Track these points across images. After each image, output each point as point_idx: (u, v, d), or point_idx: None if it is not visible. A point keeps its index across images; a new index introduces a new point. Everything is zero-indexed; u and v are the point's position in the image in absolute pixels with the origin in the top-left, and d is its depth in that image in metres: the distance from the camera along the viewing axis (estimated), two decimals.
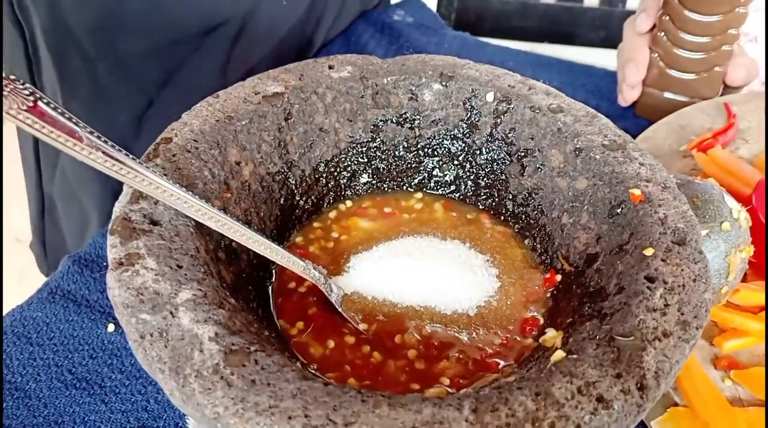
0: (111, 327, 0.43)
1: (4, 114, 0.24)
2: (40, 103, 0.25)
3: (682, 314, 0.25)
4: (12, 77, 0.25)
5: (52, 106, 0.25)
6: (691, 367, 0.37)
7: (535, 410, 0.21)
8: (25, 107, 0.24)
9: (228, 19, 0.55)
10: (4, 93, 0.24)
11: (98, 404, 0.39)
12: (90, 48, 0.54)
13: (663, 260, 0.27)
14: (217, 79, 0.58)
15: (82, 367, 0.41)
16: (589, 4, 1.13)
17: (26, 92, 0.25)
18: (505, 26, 1.17)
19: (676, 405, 0.35)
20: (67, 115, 0.26)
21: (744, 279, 0.40)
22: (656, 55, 0.57)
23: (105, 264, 0.47)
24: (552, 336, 0.27)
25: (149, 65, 0.55)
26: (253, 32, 0.57)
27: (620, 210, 0.30)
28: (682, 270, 0.26)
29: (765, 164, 0.50)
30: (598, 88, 0.64)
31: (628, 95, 0.58)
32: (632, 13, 0.61)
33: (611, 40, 1.15)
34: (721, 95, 0.58)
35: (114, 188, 0.61)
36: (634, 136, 0.52)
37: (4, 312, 0.44)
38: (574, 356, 0.23)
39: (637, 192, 0.30)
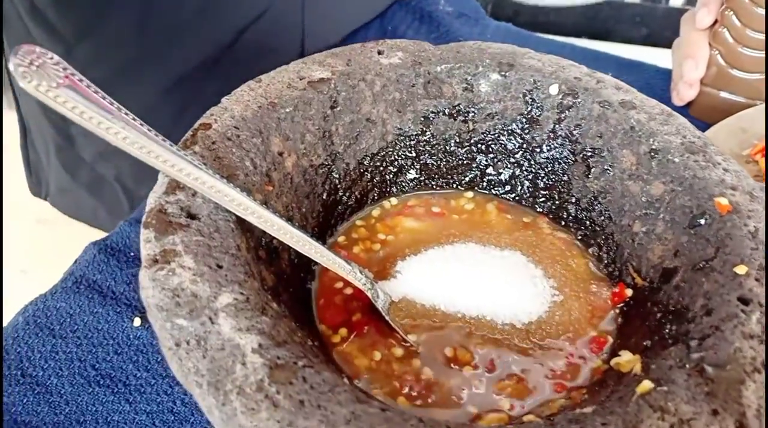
0: (137, 322, 0.40)
1: (32, 91, 0.21)
2: (72, 80, 0.22)
3: None
4: (41, 50, 0.22)
5: (85, 83, 0.23)
6: None
7: None
8: (55, 84, 0.22)
9: None
10: (33, 68, 0.22)
11: (122, 403, 0.37)
12: (18, 3, 0.53)
13: (757, 279, 0.24)
14: (136, 33, 0.54)
15: (106, 363, 0.39)
16: None
17: (58, 68, 0.22)
18: (542, 20, 1.13)
19: None
20: (101, 94, 0.23)
21: None
22: (716, 52, 0.54)
23: (132, 254, 0.45)
24: (628, 360, 0.25)
25: (61, 12, 0.53)
26: None
27: (704, 220, 0.27)
28: None
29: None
30: (649, 86, 0.60)
31: (684, 94, 0.55)
32: (676, 10, 0.57)
33: (653, 38, 1.11)
34: None
35: (54, 123, 0.60)
36: None
37: (28, 300, 0.42)
38: (664, 388, 0.21)
39: (723, 201, 0.27)
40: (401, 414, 0.19)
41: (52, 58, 0.22)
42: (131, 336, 0.40)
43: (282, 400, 0.19)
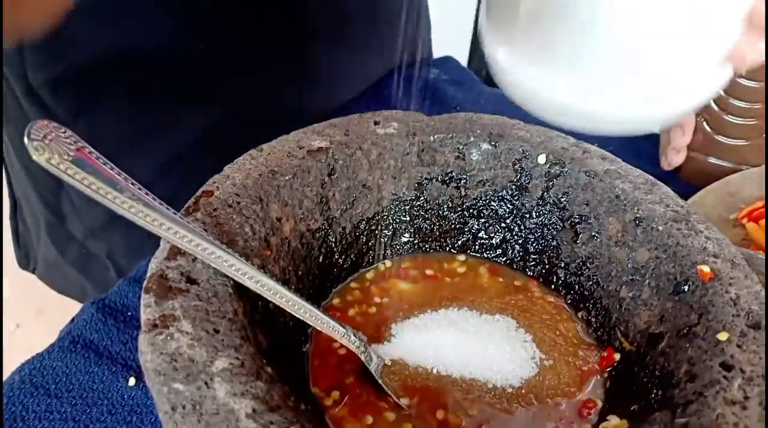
0: (132, 382, 0.41)
1: (45, 164, 0.23)
2: (83, 153, 0.24)
3: (765, 408, 0.22)
4: (54, 125, 0.24)
5: (94, 155, 0.24)
6: None
7: None
8: (68, 157, 0.23)
9: (128, 49, 0.53)
10: (46, 142, 0.23)
11: None
12: (9, 76, 0.54)
13: (738, 346, 0.25)
14: (130, 111, 0.56)
15: (100, 423, 0.39)
16: None
17: (69, 141, 0.24)
18: None
19: None
20: (109, 165, 0.25)
21: None
22: (702, 119, 0.56)
23: (130, 313, 0.45)
24: (616, 425, 0.25)
25: (57, 96, 0.54)
26: (163, 61, 0.54)
27: (687, 287, 0.28)
28: (760, 357, 0.24)
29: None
30: (639, 150, 0.62)
31: (673, 159, 0.56)
32: None
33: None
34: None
35: (46, 199, 0.61)
36: None
37: (23, 359, 0.43)
38: None
39: (706, 268, 0.27)
40: None
41: (64, 132, 0.24)
42: (125, 396, 0.40)
43: None
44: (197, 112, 0.56)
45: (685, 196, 0.52)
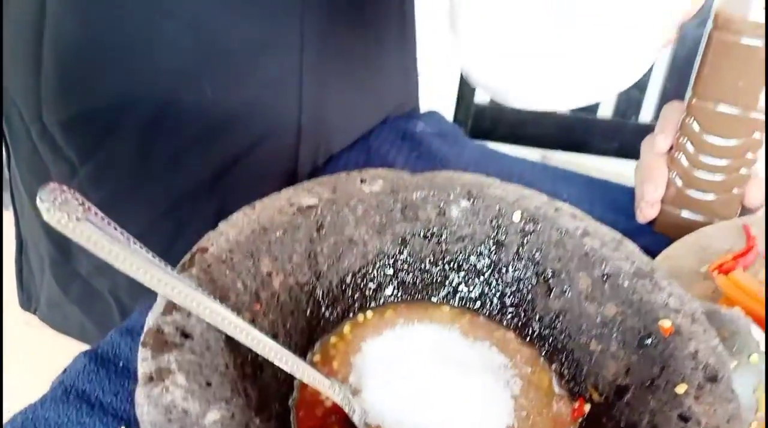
0: None
1: (55, 225, 0.25)
2: (90, 215, 0.26)
3: None
4: (64, 187, 0.26)
5: (100, 216, 0.26)
6: None
7: None
8: (76, 219, 0.25)
9: (141, 99, 0.56)
10: (56, 204, 0.25)
11: None
12: (24, 111, 0.57)
13: (696, 398, 0.26)
14: (136, 158, 0.58)
15: None
16: (602, 115, 1.17)
17: (77, 203, 0.26)
18: (520, 133, 1.20)
19: None
20: (113, 225, 0.26)
21: None
22: (674, 174, 0.58)
23: (121, 364, 0.46)
24: None
25: (68, 137, 0.57)
26: (174, 114, 0.57)
27: (650, 341, 0.30)
28: (716, 410, 0.26)
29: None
30: (615, 203, 0.65)
31: (647, 212, 0.59)
32: (644, 126, 0.63)
33: (624, 151, 1.18)
34: (740, 216, 0.59)
35: (54, 239, 0.63)
36: (655, 254, 0.53)
37: (10, 402, 0.43)
38: None
39: (666, 323, 0.29)
40: None
41: (73, 194, 0.26)
42: None
43: None
44: (199, 159, 0.58)
45: (660, 247, 0.54)
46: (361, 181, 0.38)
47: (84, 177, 0.58)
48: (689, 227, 0.57)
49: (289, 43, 0.58)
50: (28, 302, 0.73)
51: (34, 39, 0.52)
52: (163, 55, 0.54)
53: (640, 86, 1.13)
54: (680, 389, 0.27)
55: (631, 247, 0.34)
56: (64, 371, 0.46)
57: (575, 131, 1.19)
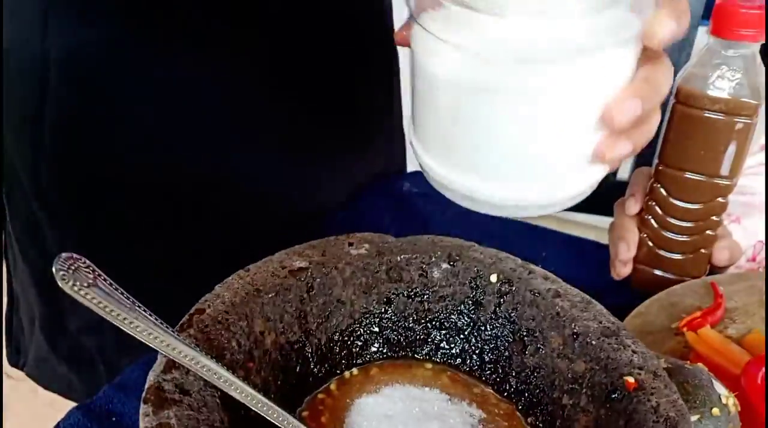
0: None
1: (68, 290, 0.27)
2: (98, 281, 0.28)
3: None
4: (76, 256, 0.28)
5: (108, 282, 0.29)
6: None
7: None
8: (86, 284, 0.27)
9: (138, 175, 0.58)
10: (70, 272, 0.27)
11: None
12: (24, 179, 0.59)
13: None
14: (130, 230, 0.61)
15: None
16: None
17: (89, 270, 0.28)
18: None
19: None
20: (119, 291, 0.29)
21: None
22: (645, 235, 0.62)
23: (114, 419, 0.47)
24: None
25: (67, 206, 0.59)
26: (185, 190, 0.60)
27: (615, 395, 0.32)
28: None
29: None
30: (588, 261, 0.68)
31: (620, 271, 0.62)
32: (622, 183, 0.66)
33: (603, 207, 1.23)
34: (709, 274, 0.62)
35: (48, 297, 0.64)
36: (630, 309, 0.55)
37: None
38: None
39: (631, 379, 0.32)
40: None
41: (84, 263, 0.28)
42: None
43: None
44: (193, 230, 0.61)
45: (636, 301, 0.57)
46: (349, 245, 0.41)
47: (78, 242, 0.60)
48: (662, 284, 0.60)
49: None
50: (15, 357, 0.74)
51: (34, 116, 0.55)
52: (158, 136, 0.58)
53: None
54: None
55: (598, 308, 0.37)
56: (57, 426, 0.48)
57: None
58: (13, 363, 0.75)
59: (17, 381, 0.76)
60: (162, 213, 0.60)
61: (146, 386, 0.29)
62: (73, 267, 0.27)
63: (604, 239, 0.70)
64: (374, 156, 0.78)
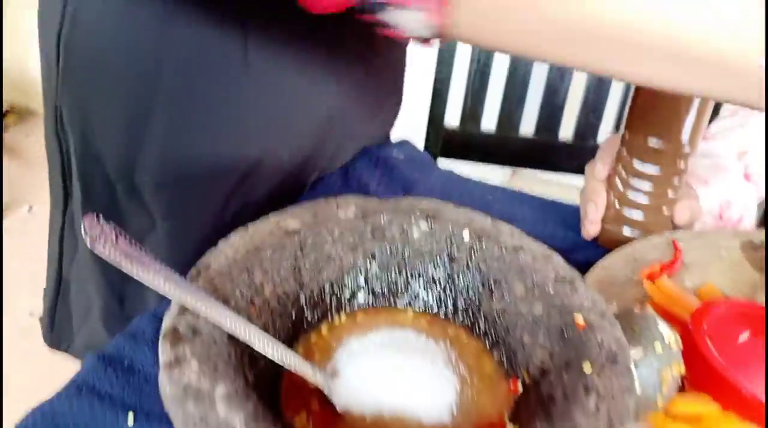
0: (130, 421, 0.48)
1: (99, 251, 0.32)
2: (121, 240, 0.33)
3: (610, 418, 0.32)
4: (102, 219, 0.33)
5: (129, 239, 0.33)
6: None
7: None
8: (110, 243, 0.32)
9: (234, 165, 0.63)
10: (97, 233, 0.32)
11: None
12: (111, 172, 0.62)
13: (598, 374, 0.34)
14: (215, 216, 0.65)
15: None
16: (564, 138, 1.26)
17: (111, 230, 0.33)
18: (488, 154, 1.29)
19: None
20: (138, 246, 0.34)
21: (681, 390, 0.47)
22: (612, 196, 0.67)
23: (126, 363, 0.52)
24: None
25: (157, 195, 0.62)
26: (255, 177, 0.64)
27: (568, 333, 0.37)
28: (613, 382, 0.34)
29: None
30: (565, 220, 0.73)
31: (589, 230, 0.67)
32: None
33: (582, 168, 1.28)
34: (673, 230, 0.67)
35: (112, 284, 0.68)
36: (595, 263, 0.60)
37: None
38: None
39: (580, 319, 0.37)
40: None
41: (109, 224, 0.33)
42: None
43: None
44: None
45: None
46: (338, 207, 0.45)
47: (162, 232, 0.64)
48: (627, 242, 0.65)
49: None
50: (57, 342, 0.77)
51: (143, 107, 0.58)
52: (252, 121, 0.61)
53: (597, 113, 1.22)
54: (587, 368, 0.34)
55: (557, 260, 0.42)
56: (77, 372, 0.53)
57: (539, 152, 1.28)
58: (55, 347, 0.77)
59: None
60: (243, 213, 0.64)
61: (163, 327, 0.34)
62: (98, 230, 0.32)
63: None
64: (375, 131, 0.82)
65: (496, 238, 0.43)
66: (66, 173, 0.66)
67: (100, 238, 0.32)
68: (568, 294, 0.39)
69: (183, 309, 0.35)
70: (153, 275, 0.33)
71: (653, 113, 0.61)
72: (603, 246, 0.69)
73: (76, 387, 0.51)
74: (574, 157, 1.26)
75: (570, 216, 0.74)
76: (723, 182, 0.73)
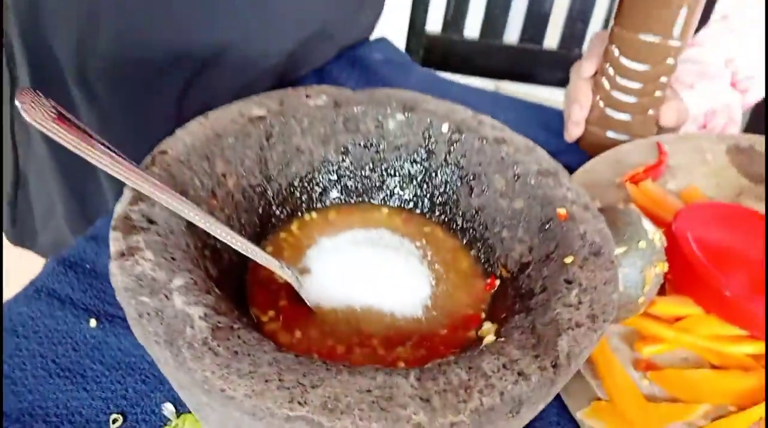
0: (93, 323, 0.46)
1: (33, 123, 0.28)
2: (63, 115, 0.29)
3: (593, 309, 0.30)
4: (38, 92, 0.29)
5: (72, 119, 0.30)
6: (614, 367, 0.42)
7: (467, 380, 0.26)
8: (50, 118, 0.29)
9: (197, 52, 0.59)
10: (33, 105, 0.28)
11: (80, 391, 0.42)
12: (62, 59, 0.58)
13: (580, 267, 0.32)
14: (173, 113, 0.61)
15: (65, 358, 0.44)
16: (548, 46, 1.21)
17: (48, 105, 0.29)
18: (470, 64, 1.24)
19: (599, 399, 0.41)
20: (83, 126, 0.30)
21: (663, 293, 0.46)
22: (598, 97, 0.64)
23: (88, 266, 0.50)
24: (488, 328, 0.33)
25: (111, 88, 0.59)
26: (220, 69, 0.61)
27: (549, 226, 0.36)
28: (595, 275, 0.32)
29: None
30: (548, 124, 0.71)
31: (572, 132, 0.65)
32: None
33: (568, 81, 1.24)
34: (657, 134, 0.65)
35: (71, 182, 0.65)
36: (576, 168, 0.59)
37: None
38: (502, 339, 0.29)
39: (563, 211, 0.35)
40: (310, 359, 0.27)
41: (47, 98, 0.29)
42: (88, 336, 0.46)
43: (221, 351, 0.26)
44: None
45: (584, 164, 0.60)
46: (307, 96, 0.42)
47: (117, 130, 0.60)
48: (611, 146, 0.63)
49: None
50: (20, 238, 0.75)
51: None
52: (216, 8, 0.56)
53: (584, 19, 1.17)
54: (568, 260, 0.33)
55: (540, 152, 0.40)
56: (37, 275, 0.50)
57: (522, 62, 1.23)
58: (18, 243, 0.75)
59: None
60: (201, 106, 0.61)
61: (114, 216, 0.32)
62: (35, 102, 0.28)
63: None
64: (352, 32, 0.77)
65: (477, 131, 0.41)
66: (11, 60, 0.61)
67: (38, 110, 0.28)
68: (551, 187, 0.37)
69: (137, 198, 0.32)
70: (101, 154, 0.30)
71: (645, 5, 0.58)
72: (585, 150, 0.67)
73: (35, 290, 0.49)
74: (558, 68, 1.22)
75: (552, 119, 0.72)
76: (709, 88, 0.71)
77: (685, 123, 0.67)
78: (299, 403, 0.25)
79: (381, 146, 0.43)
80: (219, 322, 0.28)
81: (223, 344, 0.27)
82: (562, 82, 1.24)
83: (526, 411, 0.27)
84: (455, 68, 1.21)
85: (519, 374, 0.27)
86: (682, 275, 0.47)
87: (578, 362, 0.28)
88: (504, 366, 0.27)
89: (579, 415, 0.40)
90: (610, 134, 0.65)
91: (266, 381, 0.25)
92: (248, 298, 0.36)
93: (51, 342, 0.45)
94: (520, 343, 0.28)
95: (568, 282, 0.32)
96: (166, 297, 0.28)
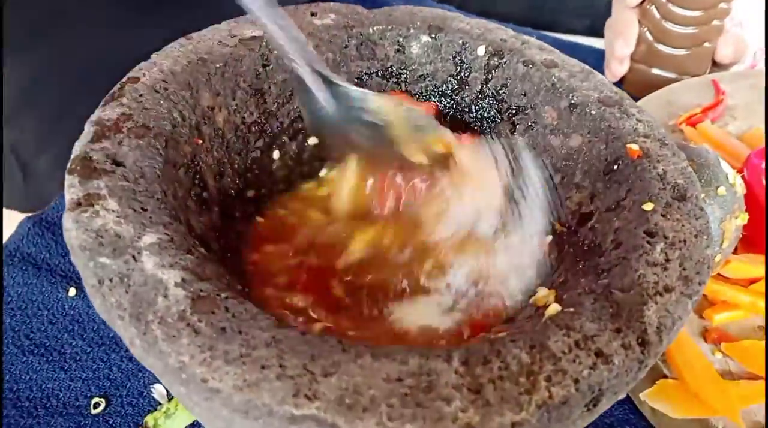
0: (72, 292, 0.40)
1: None
2: None
3: (684, 269, 0.23)
4: None
5: None
6: (681, 339, 0.35)
7: (530, 363, 0.20)
8: None
9: None
10: None
11: (57, 371, 0.37)
12: None
13: (663, 215, 0.25)
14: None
15: (40, 333, 0.38)
16: None
17: None
18: (490, 9, 1.15)
19: (665, 377, 0.34)
20: None
21: (734, 252, 0.39)
22: (645, 29, 0.56)
23: None
24: (543, 294, 0.26)
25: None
26: None
27: (617, 166, 0.28)
28: (683, 225, 0.25)
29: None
30: (585, 62, 0.62)
31: (616, 70, 0.57)
32: None
33: (594, 29, 1.15)
34: (709, 73, 0.57)
35: None
36: None
37: None
38: (571, 309, 0.22)
39: (635, 147, 0.28)
40: (321, 338, 0.20)
41: None
42: (66, 306, 0.40)
43: (203, 327, 0.20)
44: None
45: None
46: (312, 14, 0.35)
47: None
48: (658, 85, 0.55)
49: None
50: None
51: None
52: None
53: None
54: (647, 207, 0.26)
55: (600, 77, 0.32)
56: (9, 238, 0.44)
57: (545, 8, 1.14)
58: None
59: None
60: None
61: (72, 157, 0.25)
62: None
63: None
64: None
65: (521, 52, 0.33)
66: None
67: None
68: (617, 118, 0.30)
69: (100, 134, 0.26)
70: None
71: None
72: (629, 90, 0.59)
73: (8, 254, 0.43)
74: (583, 15, 1.12)
75: (590, 56, 0.63)
76: (759, 24, 0.62)
77: (741, 59, 0.59)
78: (307, 397, 0.18)
79: (402, 76, 0.36)
80: (201, 290, 0.21)
81: (206, 318, 0.20)
82: (588, 30, 1.15)
83: (605, 404, 0.21)
84: (472, 13, 1.13)
85: (597, 354, 0.20)
86: (758, 230, 0.40)
87: (671, 337, 0.22)
88: (577, 344, 0.21)
89: (643, 397, 0.33)
90: (656, 71, 0.57)
91: (263, 367, 0.19)
92: (247, 264, 0.29)
93: (25, 315, 0.39)
94: (595, 314, 0.22)
95: (650, 234, 0.25)
96: (134, 258, 0.22)
